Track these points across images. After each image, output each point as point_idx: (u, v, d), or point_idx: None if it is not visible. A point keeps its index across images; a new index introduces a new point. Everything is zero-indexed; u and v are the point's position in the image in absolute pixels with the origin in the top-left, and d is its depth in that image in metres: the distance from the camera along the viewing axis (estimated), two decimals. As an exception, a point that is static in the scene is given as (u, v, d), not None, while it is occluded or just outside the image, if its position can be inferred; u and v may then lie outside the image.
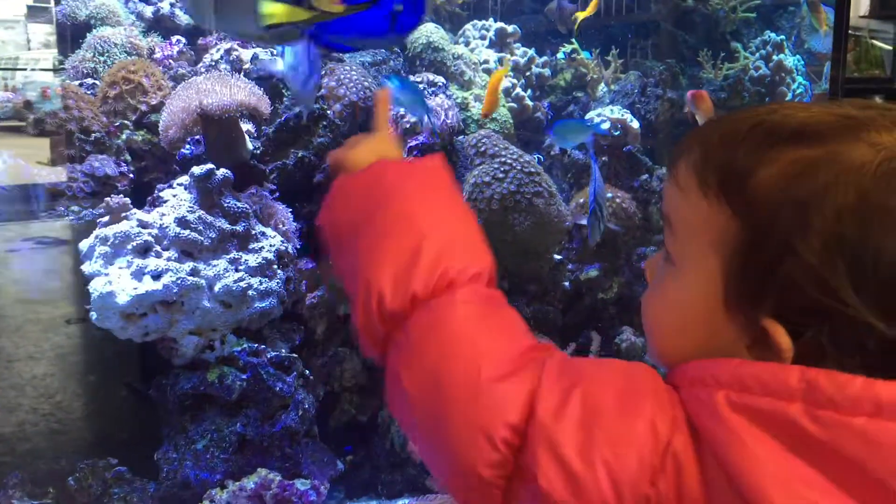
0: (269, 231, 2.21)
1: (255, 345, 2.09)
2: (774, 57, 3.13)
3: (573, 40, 2.97)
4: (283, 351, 2.15)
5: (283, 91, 2.47)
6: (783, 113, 0.63)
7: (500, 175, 2.48)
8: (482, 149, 2.53)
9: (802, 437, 0.58)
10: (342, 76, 2.57)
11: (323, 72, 2.62)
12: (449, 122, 2.54)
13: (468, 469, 0.66)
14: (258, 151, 2.35)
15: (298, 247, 2.32)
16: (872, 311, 0.58)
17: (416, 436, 0.73)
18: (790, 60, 3.16)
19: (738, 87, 3.05)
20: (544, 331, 2.60)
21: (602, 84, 2.98)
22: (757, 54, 3.13)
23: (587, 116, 2.80)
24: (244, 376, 2.02)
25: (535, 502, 0.64)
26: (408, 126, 2.55)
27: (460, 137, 2.65)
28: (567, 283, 2.68)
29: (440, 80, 2.64)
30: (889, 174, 0.58)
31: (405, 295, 0.74)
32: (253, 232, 2.16)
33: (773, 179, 0.61)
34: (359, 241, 0.80)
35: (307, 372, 2.18)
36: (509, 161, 2.50)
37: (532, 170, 2.51)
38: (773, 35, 3.15)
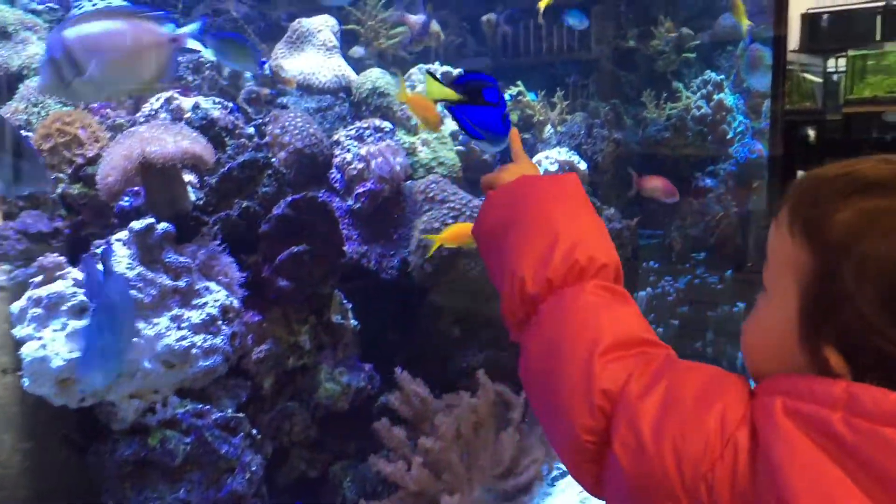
0: (212, 285, 2.14)
1: (200, 405, 2.01)
2: (715, 96, 3.19)
3: (518, 82, 2.98)
4: (230, 410, 2.07)
5: (226, 140, 2.41)
6: (868, 164, 0.70)
7: (450, 221, 2.45)
8: (430, 194, 2.50)
9: (838, 443, 0.63)
10: (286, 123, 2.52)
11: (266, 119, 2.57)
12: (396, 167, 2.51)
13: (571, 431, 0.78)
14: (201, 202, 2.29)
15: (243, 299, 2.25)
16: None
17: (537, 406, 0.85)
18: (730, 99, 3.22)
19: (681, 125, 3.10)
20: (497, 377, 2.56)
21: (549, 125, 2.99)
22: (698, 94, 3.19)
23: (534, 159, 2.80)
24: (188, 440, 1.94)
25: (613, 469, 0.74)
26: (354, 173, 2.51)
27: (408, 183, 2.63)
28: (519, 327, 2.65)
29: (387, 125, 2.62)
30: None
31: (542, 281, 0.89)
32: (196, 287, 2.09)
33: (845, 224, 0.67)
34: (506, 241, 0.96)
35: (254, 431, 2.10)
36: (458, 206, 2.48)
37: (481, 215, 2.49)
38: (713, 75, 3.22)
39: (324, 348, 2.43)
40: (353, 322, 2.46)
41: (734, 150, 3.16)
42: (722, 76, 3.22)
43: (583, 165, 2.80)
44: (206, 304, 2.08)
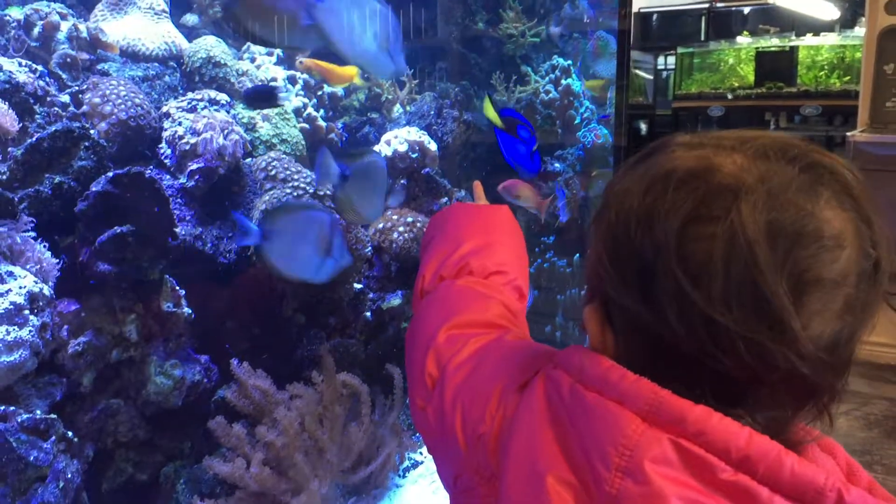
0: (17, 270, 1.87)
1: (3, 407, 1.75)
2: (563, 81, 3.20)
3: (366, 59, 2.85)
4: (39, 412, 1.82)
5: (35, 107, 2.13)
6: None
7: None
8: (272, 172, 2.33)
9: (561, 405, 0.71)
10: (108, 91, 2.27)
11: (84, 86, 2.31)
12: (234, 143, 2.32)
13: (413, 399, 0.91)
14: (4, 177, 2.01)
15: (57, 285, 1.99)
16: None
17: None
18: (577, 85, 3.25)
19: (530, 109, 3.09)
20: (346, 366, 2.43)
21: (398, 105, 2.89)
22: (546, 79, 3.19)
23: (384, 137, 2.69)
24: (-14, 446, 1.68)
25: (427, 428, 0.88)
26: (187, 148, 2.30)
27: (247, 160, 2.44)
28: (369, 314, 2.54)
29: (224, 97, 2.42)
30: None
31: (436, 278, 1.06)
32: (-4, 272, 1.82)
33: (614, 189, 0.75)
34: (426, 252, 1.13)
35: (70, 434, 1.86)
36: (302, 185, 2.33)
37: (327, 192, 2.35)
38: (560, 60, 3.23)
39: (153, 339, 2.20)
40: (186, 310, 2.25)
41: (581, 136, 3.19)
42: (569, 62, 3.24)
43: (433, 146, 2.71)
44: (9, 291, 1.82)
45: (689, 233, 0.66)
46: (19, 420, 1.75)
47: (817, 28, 9.68)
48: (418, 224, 2.63)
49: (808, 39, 8.81)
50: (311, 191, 2.31)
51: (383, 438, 2.47)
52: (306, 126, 2.63)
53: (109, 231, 2.04)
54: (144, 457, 2.24)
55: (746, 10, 12.33)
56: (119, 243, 2.05)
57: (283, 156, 2.38)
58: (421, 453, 2.63)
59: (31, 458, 1.73)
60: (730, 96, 8.64)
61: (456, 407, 0.84)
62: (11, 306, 1.80)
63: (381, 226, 2.60)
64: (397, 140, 2.67)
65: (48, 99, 2.19)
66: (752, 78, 8.71)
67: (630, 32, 3.14)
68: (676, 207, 0.67)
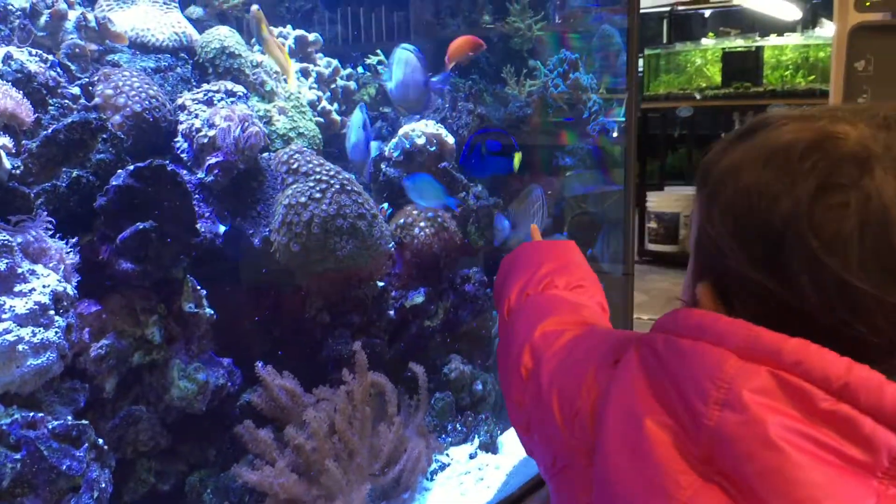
0: (40, 269, 1.76)
1: (31, 413, 1.63)
2: (571, 75, 3.16)
3: (378, 51, 2.77)
4: (69, 418, 1.71)
5: (48, 98, 2.02)
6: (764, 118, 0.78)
7: (317, 195, 2.21)
8: (294, 165, 2.24)
9: (654, 357, 0.74)
10: (121, 83, 2.16)
11: (95, 77, 2.20)
12: (254, 136, 2.22)
13: (509, 396, 1.01)
14: (18, 171, 1.89)
15: (77, 286, 1.88)
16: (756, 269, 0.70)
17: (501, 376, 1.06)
18: (585, 78, 3.21)
19: (541, 103, 3.04)
20: (371, 366, 2.35)
21: (410, 98, 2.81)
22: (554, 72, 3.14)
23: (400, 131, 2.61)
24: (17, 455, 1.56)
25: (526, 411, 0.97)
26: (205, 141, 2.20)
27: (265, 155, 2.35)
28: (392, 312, 2.46)
29: (240, 89, 2.32)
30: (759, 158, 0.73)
31: (521, 295, 1.15)
32: (19, 270, 1.70)
33: (722, 167, 0.76)
34: (504, 285, 1.22)
35: (100, 441, 1.75)
36: (326, 178, 2.24)
37: (352, 188, 2.27)
38: (568, 53, 3.19)
39: (175, 342, 2.09)
40: (208, 311, 2.15)
41: (591, 129, 3.15)
42: (576, 55, 3.20)
43: (451, 139, 2.64)
44: (33, 290, 1.70)
45: (819, 201, 0.66)
46: (49, 427, 1.64)
47: (779, 29, 9.89)
48: (439, 220, 2.56)
49: (773, 40, 8.96)
50: (337, 185, 2.22)
51: (410, 440, 2.38)
52: (321, 120, 2.54)
53: (132, 227, 1.93)
54: (167, 466, 2.13)
55: (707, 12, 12.56)
56: (142, 240, 1.94)
57: (305, 148, 2.29)
58: (447, 455, 2.55)
59: (64, 467, 1.62)
60: (698, 96, 8.73)
61: (552, 389, 0.90)
62: (36, 306, 1.69)
63: (401, 221, 2.52)
64: (415, 133, 2.60)
65: (59, 90, 2.08)
66: (718, 78, 8.82)
67: (637, 28, 3.12)
68: (804, 177, 0.67)
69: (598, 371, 0.84)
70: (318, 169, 2.25)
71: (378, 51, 2.79)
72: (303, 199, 2.19)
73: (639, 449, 0.70)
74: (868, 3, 5.34)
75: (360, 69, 2.87)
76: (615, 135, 3.04)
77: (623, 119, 3.04)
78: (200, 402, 2.10)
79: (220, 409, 2.17)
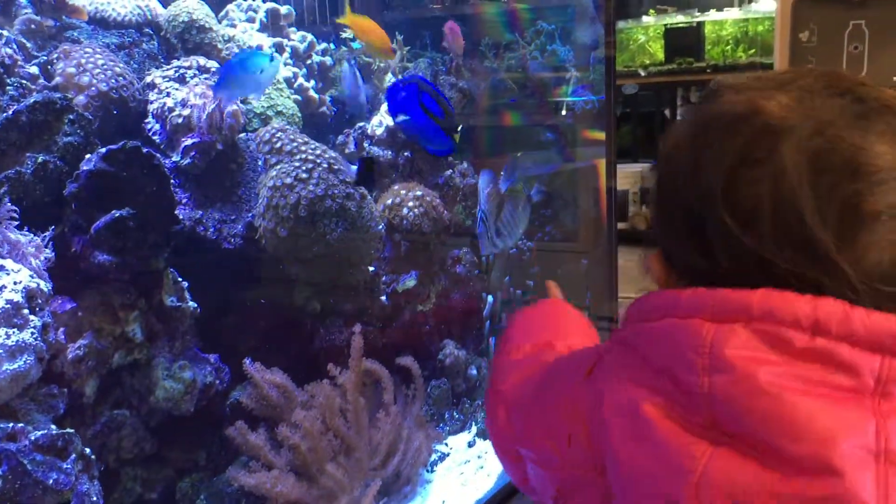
0: (10, 264, 1.59)
1: (9, 424, 1.47)
2: (548, 47, 3.06)
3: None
4: (52, 427, 1.54)
5: (5, 77, 1.83)
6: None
7: (304, 175, 2.06)
8: (278, 145, 2.09)
9: (629, 354, 0.76)
10: (83, 60, 1.99)
11: (54, 55, 2.01)
12: (232, 115, 2.07)
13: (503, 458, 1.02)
14: (-24, 158, 1.71)
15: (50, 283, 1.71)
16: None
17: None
18: (562, 51, 3.11)
19: (522, 77, 2.94)
20: (366, 354, 2.22)
21: (389, 74, 2.68)
22: (532, 44, 3.04)
23: (383, 107, 2.48)
24: (-2, 472, 1.40)
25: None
26: (179, 121, 2.04)
27: (243, 135, 2.19)
28: (384, 297, 2.33)
29: (213, 65, 2.16)
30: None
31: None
32: (-14, 266, 1.53)
33: (665, 144, 0.80)
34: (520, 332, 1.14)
35: (87, 450, 1.59)
36: (312, 158, 2.10)
37: (340, 167, 2.13)
38: (544, 25, 3.09)
39: (158, 339, 1.93)
40: (191, 304, 1.99)
41: (571, 103, 3.06)
42: (553, 26, 3.11)
43: (435, 115, 2.52)
44: (3, 287, 1.53)
45: (736, 178, 0.67)
46: (32, 438, 1.48)
47: (717, 4, 10.00)
48: (427, 198, 2.43)
49: (713, 15, 9.04)
50: (324, 164, 2.08)
51: (410, 431, 2.27)
52: (298, 97, 2.39)
53: (107, 216, 1.77)
54: (153, 473, 1.97)
55: (646, -11, 12.54)
56: (118, 229, 1.78)
57: (288, 126, 2.14)
58: (446, 444, 2.45)
59: (51, 481, 1.46)
60: (642, 73, 8.75)
61: (536, 429, 0.89)
62: (9, 305, 1.52)
63: (389, 201, 2.39)
64: (399, 109, 2.46)
65: (15, 69, 1.89)
66: (661, 55, 8.85)
67: (615, 59, 3.04)
68: (722, 154, 0.68)
69: (573, 390, 0.83)
70: (303, 148, 2.10)
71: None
72: (289, 181, 2.04)
73: (645, 437, 0.70)
74: (815, -26, 5.39)
75: (331, 45, 2.72)
76: (588, 107, 2.96)
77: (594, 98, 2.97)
78: (188, 403, 1.95)
79: (209, 409, 2.02)
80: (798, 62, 5.81)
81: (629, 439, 0.72)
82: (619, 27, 9.45)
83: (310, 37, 2.49)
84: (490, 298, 2.66)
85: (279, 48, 2.43)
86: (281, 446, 2.01)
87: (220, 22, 2.41)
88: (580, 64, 3.22)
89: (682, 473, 0.66)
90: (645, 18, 9.63)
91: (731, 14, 9.01)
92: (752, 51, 8.50)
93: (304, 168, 2.07)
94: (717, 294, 0.68)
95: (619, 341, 0.79)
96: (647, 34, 9.20)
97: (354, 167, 2.07)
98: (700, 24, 8.86)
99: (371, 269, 2.31)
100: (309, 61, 2.48)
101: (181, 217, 1.97)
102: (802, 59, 5.80)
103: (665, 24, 9.01)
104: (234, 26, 2.40)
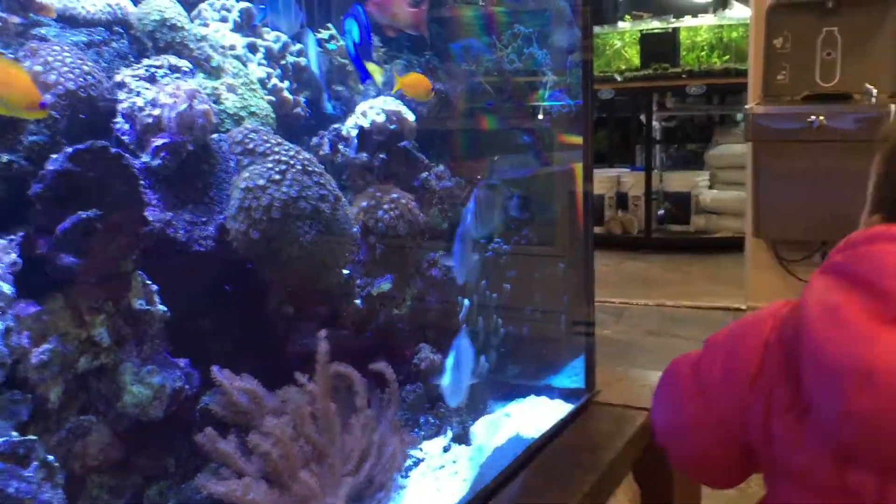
0: (-31, 265, 1.54)
1: (-32, 432, 1.43)
2: (525, 50, 3.05)
3: (329, 24, 2.60)
4: (13, 434, 1.50)
5: (-32, 73, 1.78)
6: None
7: (277, 176, 2.03)
8: (251, 146, 2.06)
9: (834, 268, 1.03)
10: (50, 58, 1.94)
11: (21, 53, 1.97)
12: (203, 114, 2.03)
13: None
14: (-63, 156, 1.66)
15: (13, 286, 1.67)
16: None
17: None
18: (539, 54, 3.11)
19: (500, 80, 2.93)
20: (339, 358, 2.19)
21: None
22: (510, 47, 3.03)
23: (358, 108, 2.45)
24: (-45, 481, 1.36)
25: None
26: (150, 121, 2.00)
27: (216, 136, 2.15)
28: (359, 301, 2.31)
29: (185, 64, 2.12)
30: None
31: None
32: (-55, 268, 1.49)
33: (892, 142, 1.15)
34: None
35: (50, 458, 1.55)
36: (285, 159, 2.07)
37: (314, 168, 2.10)
38: (521, 28, 3.08)
39: (126, 343, 1.89)
40: (160, 308, 1.95)
41: (548, 107, 3.05)
42: (530, 29, 3.10)
43: (411, 117, 2.50)
44: (-37, 290, 1.49)
45: None
46: (-8, 446, 1.43)
47: (693, 10, 10.09)
48: (403, 201, 2.41)
49: (688, 21, 9.12)
50: (298, 166, 2.05)
51: (384, 435, 2.24)
52: (272, 98, 2.36)
53: (73, 217, 1.73)
54: (121, 480, 1.93)
55: (620, -4, 12.67)
56: (85, 231, 1.74)
57: (262, 127, 2.11)
58: (421, 449, 2.42)
59: (11, 490, 1.42)
60: (619, 78, 8.80)
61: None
62: (-31, 308, 1.47)
63: (364, 203, 2.36)
64: (373, 111, 2.44)
65: (-20, 67, 1.84)
66: (637, 60, 8.91)
67: (592, 63, 3.04)
68: None
69: (772, 319, 1.13)
70: (276, 149, 2.07)
71: (329, 24, 2.62)
72: (262, 182, 2.01)
73: (842, 324, 0.95)
74: (784, -19, 5.42)
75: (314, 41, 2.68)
76: (565, 111, 2.95)
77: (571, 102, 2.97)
78: (157, 409, 1.91)
79: (178, 414, 1.98)
80: (773, 68, 5.85)
81: (829, 327, 0.96)
82: (595, 32, 9.51)
83: (284, 37, 2.46)
84: (466, 302, 2.64)
85: (253, 48, 2.40)
86: (252, 453, 1.98)
87: (192, 21, 2.37)
88: (557, 68, 3.22)
89: (868, 342, 0.91)
90: (621, 24, 9.70)
91: (706, 20, 9.10)
92: (727, 57, 8.58)
93: (277, 169, 2.04)
94: None
95: (830, 268, 1.04)
96: (623, 40, 9.25)
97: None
98: (675, 30, 8.93)
99: (346, 272, 2.28)
100: (283, 62, 2.45)
101: (151, 219, 1.93)
102: (776, 66, 5.84)
103: (641, 30, 9.08)
104: (206, 25, 2.37)
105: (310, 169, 2.09)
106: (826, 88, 5.43)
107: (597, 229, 8.64)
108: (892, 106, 4.86)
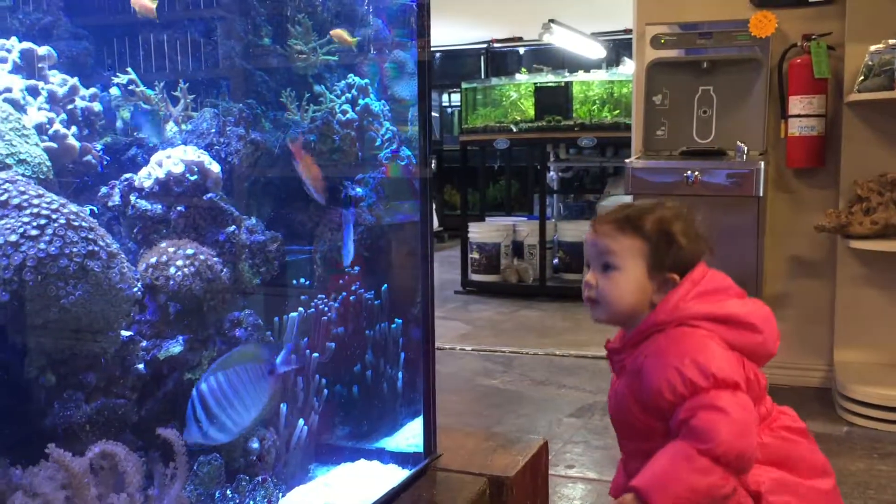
0: None
1: None
2: (360, 101, 2.96)
3: (129, 69, 2.45)
4: None
5: None
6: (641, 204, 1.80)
7: (34, 231, 1.85)
8: (4, 197, 1.87)
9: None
10: None
11: None
12: (-48, 163, 1.84)
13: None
14: None
15: None
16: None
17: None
18: (376, 105, 3.02)
19: (326, 130, 2.82)
20: (113, 432, 2.00)
21: (171, 123, 2.50)
22: (343, 98, 2.94)
23: (154, 158, 2.29)
24: None
25: None
26: None
27: (-27, 186, 1.95)
28: (142, 366, 2.11)
29: (-64, 107, 1.93)
30: (676, 215, 1.77)
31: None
32: None
33: (655, 220, 1.73)
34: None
35: None
36: (46, 212, 1.89)
37: (82, 223, 1.92)
38: (357, 79, 2.99)
39: None
40: None
41: (383, 157, 2.96)
42: (366, 80, 3.01)
43: (215, 167, 2.35)
44: None
45: None
46: None
47: (587, 66, 10.40)
48: (200, 256, 2.25)
49: (581, 76, 9.37)
50: (62, 220, 1.88)
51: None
52: (53, 145, 2.18)
53: None
54: None
55: (522, 49, 13.09)
56: None
57: (20, 177, 1.93)
58: (215, 528, 2.22)
59: None
60: (514, 129, 8.92)
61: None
62: None
63: (153, 260, 2.19)
64: (171, 161, 2.28)
65: None
66: (532, 112, 9.07)
67: (430, 62, 2.99)
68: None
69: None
70: (35, 201, 1.89)
71: (129, 69, 2.46)
72: (13, 238, 1.82)
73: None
74: (663, 41, 5.56)
75: (115, 90, 2.52)
76: (404, 162, 2.87)
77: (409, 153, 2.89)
78: None
79: None
80: (652, 124, 5.95)
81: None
82: (493, 83, 9.66)
83: (72, 80, 2.29)
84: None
85: (34, 91, 2.22)
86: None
87: (-28, 62, 2.18)
88: (398, 120, 3.14)
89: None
90: (518, 76, 9.87)
91: (598, 76, 9.33)
92: (617, 111, 8.79)
93: (34, 224, 1.86)
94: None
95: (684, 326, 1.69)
96: (519, 91, 9.40)
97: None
98: (568, 84, 9.13)
99: (127, 334, 2.09)
100: (71, 106, 2.28)
101: None
102: (656, 121, 5.95)
103: (535, 83, 9.24)
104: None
105: (76, 223, 1.91)
106: (702, 145, 5.57)
107: (492, 277, 8.63)
108: (762, 163, 4.99)
